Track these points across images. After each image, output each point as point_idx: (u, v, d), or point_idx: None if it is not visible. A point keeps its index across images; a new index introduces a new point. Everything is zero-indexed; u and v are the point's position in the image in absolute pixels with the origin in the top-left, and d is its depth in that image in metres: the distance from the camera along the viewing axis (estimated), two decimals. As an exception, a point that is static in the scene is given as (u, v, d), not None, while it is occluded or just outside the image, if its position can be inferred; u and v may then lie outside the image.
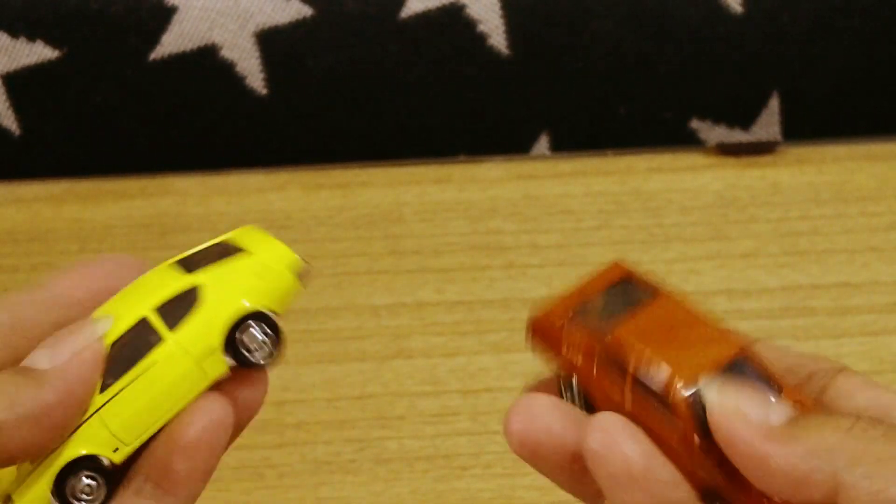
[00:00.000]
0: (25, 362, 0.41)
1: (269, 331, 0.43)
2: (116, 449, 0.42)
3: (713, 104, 0.77)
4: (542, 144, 0.78)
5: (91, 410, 0.42)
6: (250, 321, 0.42)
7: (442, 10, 0.76)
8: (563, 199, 0.75)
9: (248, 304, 0.42)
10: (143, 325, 0.42)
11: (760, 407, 0.41)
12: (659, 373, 0.42)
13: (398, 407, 0.67)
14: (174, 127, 0.77)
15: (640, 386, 0.42)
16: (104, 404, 0.42)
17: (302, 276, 0.44)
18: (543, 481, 0.68)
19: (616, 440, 0.41)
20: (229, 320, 0.42)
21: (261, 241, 0.44)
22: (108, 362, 0.42)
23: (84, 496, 0.42)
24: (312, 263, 0.44)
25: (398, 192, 0.76)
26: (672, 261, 0.72)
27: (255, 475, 0.66)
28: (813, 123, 0.78)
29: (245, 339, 0.43)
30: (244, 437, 0.68)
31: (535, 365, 0.69)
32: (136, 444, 0.42)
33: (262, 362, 0.43)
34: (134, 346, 0.42)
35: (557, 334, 0.44)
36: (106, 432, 0.42)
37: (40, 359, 0.41)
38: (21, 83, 0.76)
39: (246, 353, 0.43)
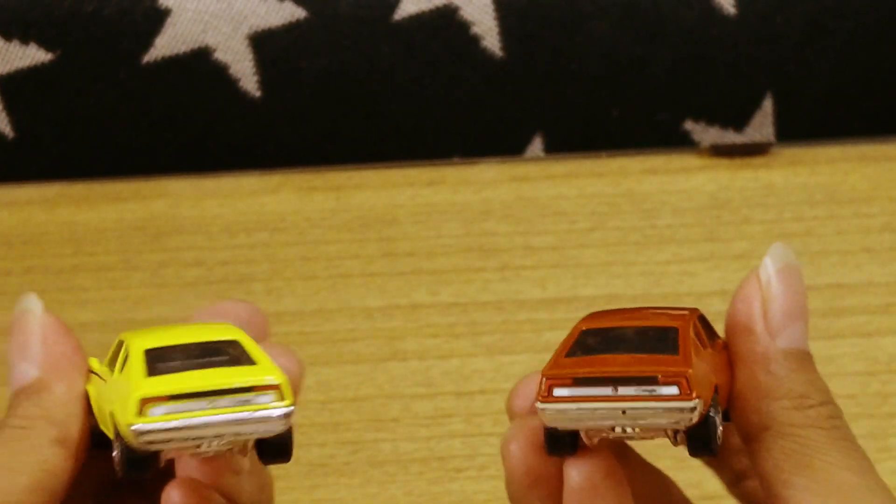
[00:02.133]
0: (15, 385, 0.42)
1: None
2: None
3: (707, 106, 0.77)
4: (536, 146, 0.78)
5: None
6: None
7: (435, 12, 0.76)
8: (557, 201, 0.75)
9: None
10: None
11: (785, 318, 0.41)
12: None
13: (392, 409, 0.67)
14: (168, 129, 0.77)
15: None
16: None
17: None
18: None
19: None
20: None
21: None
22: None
23: None
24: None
25: (392, 195, 0.76)
26: (666, 262, 0.72)
27: (250, 478, 0.66)
28: (806, 125, 0.78)
29: None
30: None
31: (529, 367, 0.69)
32: None
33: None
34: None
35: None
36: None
37: (25, 372, 0.42)
38: (14, 86, 0.76)
39: None
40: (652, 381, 0.40)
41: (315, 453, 0.66)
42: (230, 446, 0.40)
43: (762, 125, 0.77)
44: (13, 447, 0.41)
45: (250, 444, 0.41)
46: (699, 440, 0.40)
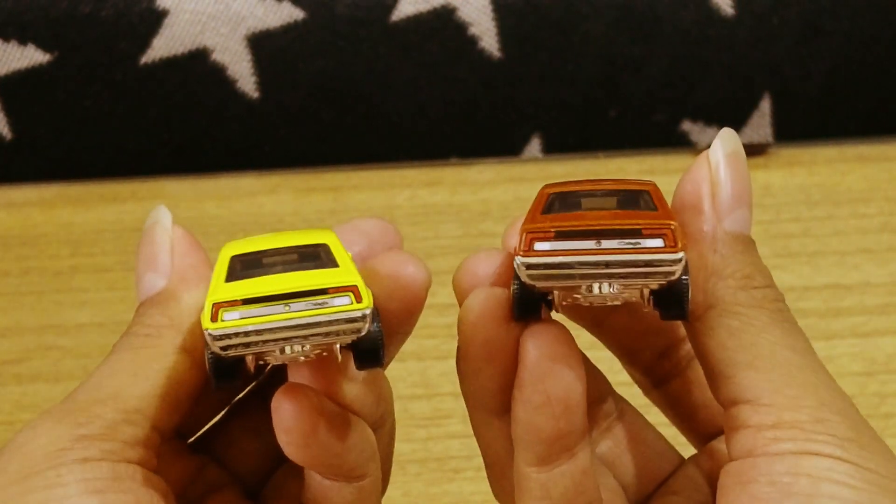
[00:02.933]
0: (142, 295, 0.42)
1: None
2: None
3: (704, 106, 0.77)
4: (534, 147, 0.78)
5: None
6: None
7: (433, 13, 0.76)
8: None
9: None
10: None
11: (731, 202, 0.42)
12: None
13: (390, 410, 0.67)
14: (165, 130, 0.77)
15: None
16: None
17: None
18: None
19: (563, 367, 0.40)
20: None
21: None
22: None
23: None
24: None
25: (390, 195, 0.76)
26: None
27: (248, 479, 0.66)
28: (804, 125, 0.78)
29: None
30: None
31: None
32: None
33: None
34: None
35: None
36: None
37: (152, 282, 0.43)
38: (12, 87, 0.76)
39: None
40: (636, 233, 0.39)
41: (313, 454, 0.66)
42: (318, 350, 0.39)
43: (760, 126, 0.77)
44: (140, 353, 0.41)
45: (339, 348, 0.40)
46: (674, 301, 0.39)
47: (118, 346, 0.42)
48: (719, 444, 0.43)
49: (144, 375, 0.41)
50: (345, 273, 0.40)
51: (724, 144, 0.42)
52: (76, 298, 0.71)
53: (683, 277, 0.39)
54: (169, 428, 0.41)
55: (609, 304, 0.40)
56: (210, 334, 0.38)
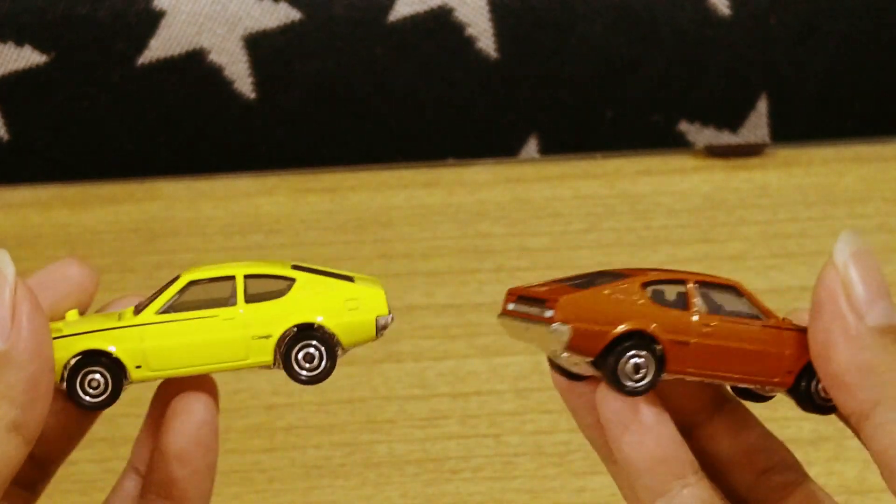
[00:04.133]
0: None
1: (324, 355, 0.43)
2: (139, 366, 0.42)
3: (701, 107, 0.77)
4: (531, 147, 0.78)
5: (137, 322, 0.42)
6: (313, 340, 0.43)
7: (430, 14, 0.76)
8: (552, 202, 0.75)
9: (320, 321, 0.43)
10: (228, 281, 0.43)
11: (868, 297, 0.40)
12: (722, 290, 0.43)
13: (388, 411, 0.67)
14: (162, 131, 0.77)
15: (711, 306, 0.43)
16: (154, 323, 0.42)
17: (380, 328, 0.45)
18: (532, 484, 0.68)
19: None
20: (297, 322, 0.43)
21: (368, 282, 0.46)
22: (181, 293, 0.43)
23: (91, 390, 0.42)
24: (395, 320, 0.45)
25: (387, 196, 0.76)
26: (661, 263, 0.72)
27: (246, 479, 0.66)
28: (801, 125, 0.78)
29: (300, 355, 0.43)
30: (234, 442, 0.68)
31: (524, 368, 0.70)
32: (154, 375, 0.42)
33: (301, 377, 0.43)
34: (209, 294, 0.43)
35: (590, 298, 0.43)
36: (139, 345, 0.42)
37: None
38: (9, 88, 0.76)
39: (294, 364, 0.43)
40: (542, 303, 0.41)
41: (310, 455, 0.66)
42: None
43: (757, 126, 0.77)
44: None
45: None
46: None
47: None
48: None
49: None
50: None
51: (847, 245, 0.42)
52: (73, 299, 0.71)
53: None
54: None
55: (579, 372, 0.42)
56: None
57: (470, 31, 0.76)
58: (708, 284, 0.43)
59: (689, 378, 0.42)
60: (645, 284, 0.42)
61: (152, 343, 0.42)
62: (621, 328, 0.41)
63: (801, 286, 0.71)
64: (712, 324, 0.42)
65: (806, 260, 0.72)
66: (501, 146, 0.78)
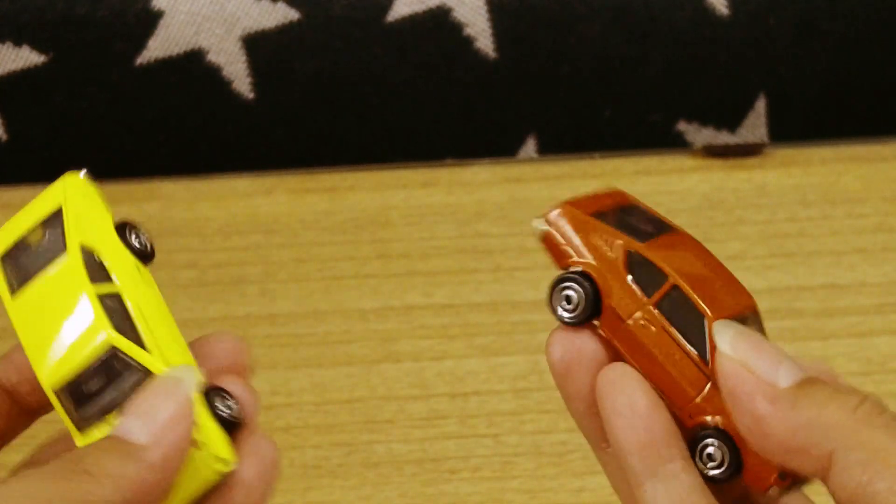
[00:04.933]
0: (118, 431, 0.40)
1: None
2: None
3: (700, 106, 0.77)
4: (530, 147, 0.78)
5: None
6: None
7: (428, 14, 0.76)
8: (551, 202, 0.75)
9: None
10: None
11: (770, 364, 0.41)
12: (695, 304, 0.42)
13: (386, 411, 0.67)
14: (161, 131, 0.77)
15: (664, 309, 0.43)
16: None
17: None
18: (531, 484, 0.68)
19: (626, 384, 0.42)
20: None
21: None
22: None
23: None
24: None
25: (385, 196, 0.76)
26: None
27: (244, 480, 0.65)
28: (799, 125, 0.78)
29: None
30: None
31: (523, 368, 0.70)
32: None
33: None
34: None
35: (589, 226, 0.45)
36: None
37: (135, 428, 0.40)
38: (7, 88, 0.76)
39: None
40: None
41: (309, 455, 0.66)
42: None
43: (755, 126, 0.77)
44: (65, 489, 0.38)
45: None
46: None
47: (54, 464, 0.39)
48: None
49: None
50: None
51: (724, 333, 0.42)
52: (72, 300, 0.71)
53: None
54: None
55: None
56: None
57: (468, 30, 0.76)
58: (684, 297, 0.43)
59: (617, 348, 0.43)
60: (632, 253, 0.43)
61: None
62: (579, 263, 0.44)
63: (799, 286, 0.71)
64: (651, 327, 0.42)
65: (804, 260, 0.72)
66: (500, 146, 0.78)
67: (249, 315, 0.71)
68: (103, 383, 0.41)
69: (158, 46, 0.75)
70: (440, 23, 0.76)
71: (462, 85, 0.77)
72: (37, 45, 0.75)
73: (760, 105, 0.77)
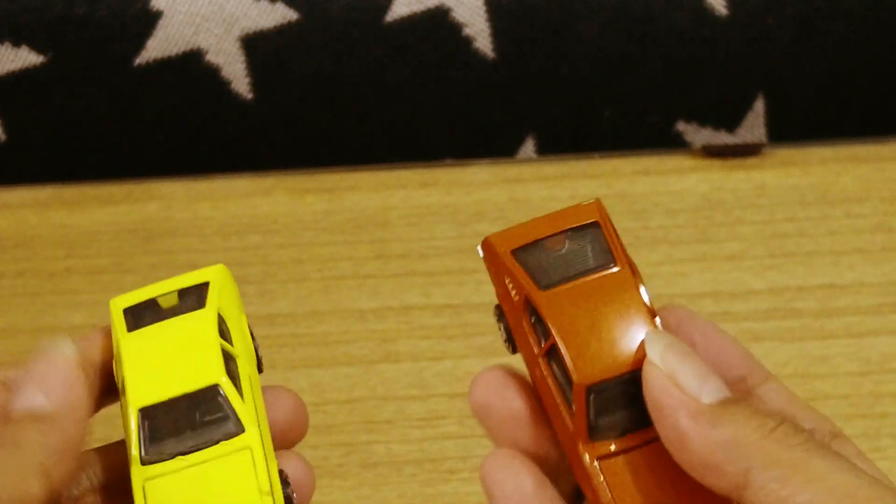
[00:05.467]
0: (22, 404, 0.44)
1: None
2: None
3: (698, 107, 0.77)
4: (528, 148, 0.78)
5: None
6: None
7: (427, 14, 0.76)
8: (550, 203, 0.75)
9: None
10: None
11: (696, 380, 0.41)
12: (566, 364, 0.42)
13: (385, 411, 0.67)
14: (159, 132, 0.77)
15: (551, 361, 0.43)
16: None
17: None
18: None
19: (511, 468, 0.44)
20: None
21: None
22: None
23: None
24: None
25: (384, 196, 0.76)
26: (658, 263, 0.72)
27: (243, 480, 0.65)
28: (798, 125, 0.78)
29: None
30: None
31: (522, 368, 0.69)
32: None
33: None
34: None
35: (503, 263, 0.45)
36: None
37: (36, 399, 0.44)
38: (6, 89, 0.76)
39: None
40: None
41: (308, 455, 0.66)
42: None
43: (754, 126, 0.77)
44: (1, 461, 0.42)
45: None
46: None
47: None
48: None
49: None
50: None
51: (655, 343, 0.42)
52: (70, 300, 0.71)
53: None
54: None
55: None
56: None
57: (467, 31, 0.76)
58: (560, 355, 0.42)
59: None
60: (527, 300, 0.43)
61: None
62: (498, 297, 0.45)
63: (798, 286, 0.71)
64: (545, 375, 0.43)
65: (803, 260, 0.72)
66: (499, 146, 0.78)
67: (248, 315, 0.71)
68: (189, 421, 0.43)
69: (157, 47, 0.75)
70: (439, 23, 0.76)
71: (461, 85, 0.77)
72: (36, 46, 0.75)
73: (759, 105, 0.77)
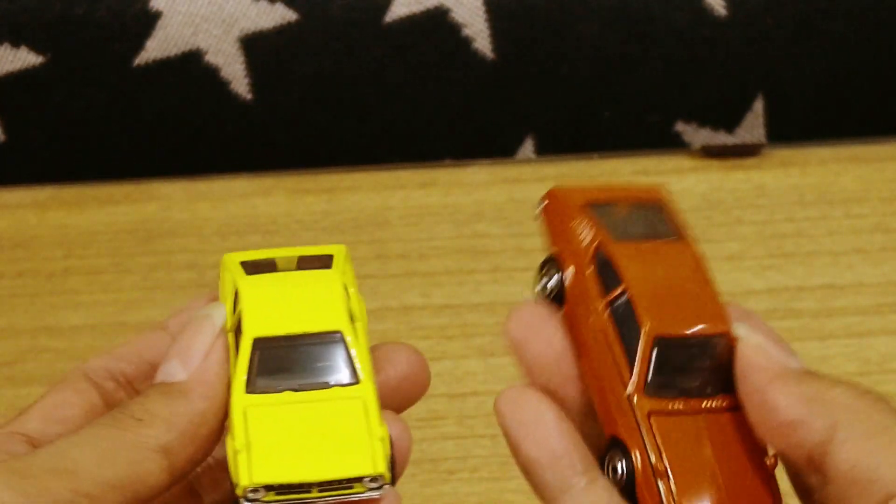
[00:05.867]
0: (159, 377, 0.41)
1: None
2: None
3: (698, 107, 0.77)
4: (528, 148, 0.78)
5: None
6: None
7: (426, 15, 0.76)
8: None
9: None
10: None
11: (783, 351, 0.42)
12: (636, 311, 0.42)
13: (385, 411, 0.67)
14: (159, 132, 0.77)
15: (615, 311, 0.42)
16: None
17: None
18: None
19: (529, 400, 0.43)
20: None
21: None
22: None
23: None
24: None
25: (384, 197, 0.76)
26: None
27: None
28: (797, 126, 0.78)
29: None
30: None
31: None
32: None
33: None
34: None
35: (572, 214, 0.44)
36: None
37: (174, 370, 0.41)
38: (5, 89, 0.76)
39: None
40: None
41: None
42: None
43: (753, 126, 0.77)
44: (118, 436, 0.39)
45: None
46: None
47: (104, 418, 0.40)
48: None
49: (111, 461, 0.39)
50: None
51: (739, 325, 0.43)
52: (69, 300, 0.71)
53: None
54: None
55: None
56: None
57: (466, 31, 0.76)
58: (630, 304, 0.42)
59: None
60: (599, 249, 0.43)
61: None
62: (552, 248, 0.44)
63: (797, 286, 0.71)
64: (597, 323, 0.42)
65: (803, 260, 0.72)
66: (498, 147, 0.78)
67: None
68: (325, 362, 0.42)
69: (156, 47, 0.75)
70: (438, 23, 0.76)
71: (460, 85, 0.77)
72: (35, 46, 0.75)
73: (758, 105, 0.77)
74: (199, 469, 0.43)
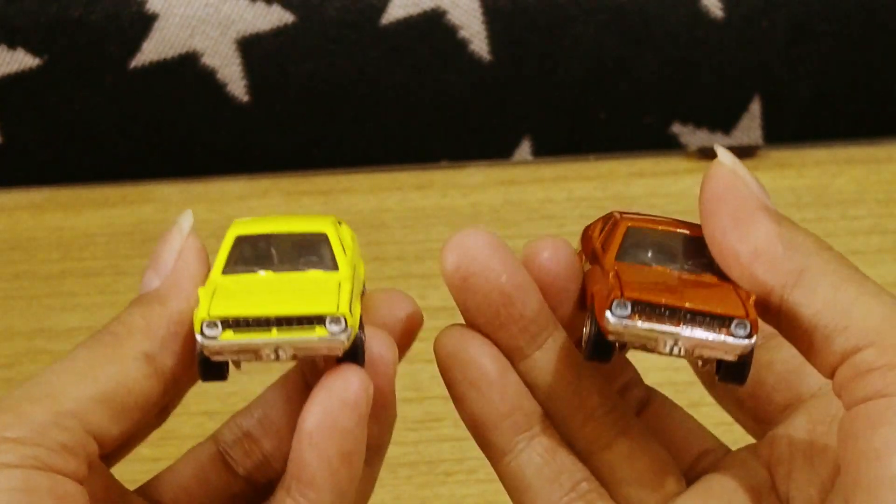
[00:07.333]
0: (141, 288, 0.42)
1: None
2: None
3: (694, 109, 0.77)
4: (524, 150, 0.78)
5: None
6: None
7: (423, 17, 0.76)
8: (545, 205, 0.75)
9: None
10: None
11: (759, 188, 0.41)
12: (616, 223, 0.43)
13: (381, 413, 0.67)
14: (155, 134, 0.77)
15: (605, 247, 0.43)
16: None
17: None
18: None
19: (470, 351, 0.43)
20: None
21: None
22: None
23: None
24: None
25: (380, 198, 0.76)
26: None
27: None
28: (793, 127, 0.78)
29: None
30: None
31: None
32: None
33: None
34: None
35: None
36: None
37: (149, 280, 0.42)
38: (2, 91, 0.76)
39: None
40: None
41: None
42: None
43: (749, 128, 0.77)
44: (97, 353, 0.39)
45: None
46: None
47: (83, 342, 0.40)
48: (779, 431, 0.43)
49: (92, 376, 0.39)
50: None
51: (725, 154, 0.42)
52: (66, 302, 0.71)
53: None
54: (110, 437, 0.39)
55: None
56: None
57: (463, 33, 0.76)
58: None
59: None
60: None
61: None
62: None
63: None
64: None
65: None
66: (495, 148, 0.78)
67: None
68: (285, 255, 0.42)
69: (153, 49, 0.75)
70: (435, 26, 0.76)
71: (457, 87, 0.77)
72: (31, 48, 0.75)
73: (755, 107, 0.77)
74: (230, 439, 0.43)
